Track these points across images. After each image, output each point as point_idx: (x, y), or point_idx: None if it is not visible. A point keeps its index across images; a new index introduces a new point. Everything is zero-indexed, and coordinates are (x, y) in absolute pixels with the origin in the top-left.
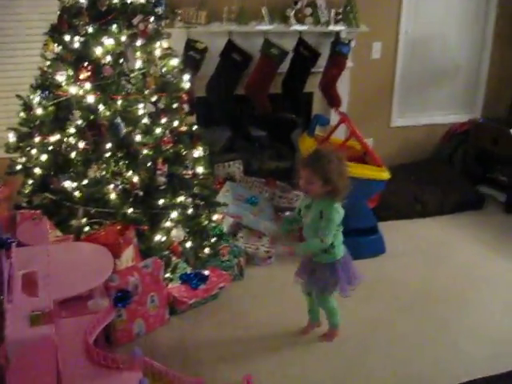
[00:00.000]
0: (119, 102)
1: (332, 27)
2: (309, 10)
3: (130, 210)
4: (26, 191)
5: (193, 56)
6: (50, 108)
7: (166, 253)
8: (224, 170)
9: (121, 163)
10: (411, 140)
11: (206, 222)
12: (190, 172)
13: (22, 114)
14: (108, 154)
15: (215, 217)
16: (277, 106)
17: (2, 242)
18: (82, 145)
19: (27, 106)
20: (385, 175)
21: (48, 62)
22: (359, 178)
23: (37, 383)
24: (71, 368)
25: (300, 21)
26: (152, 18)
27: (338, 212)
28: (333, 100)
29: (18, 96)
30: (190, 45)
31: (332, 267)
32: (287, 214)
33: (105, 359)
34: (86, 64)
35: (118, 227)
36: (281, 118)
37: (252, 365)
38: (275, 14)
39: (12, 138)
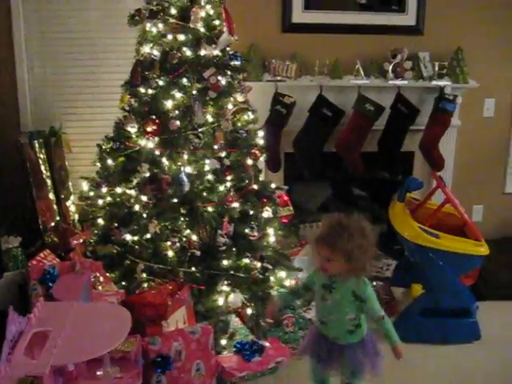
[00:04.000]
0: (185, 157)
1: (435, 82)
2: (409, 64)
3: (188, 269)
4: (91, 241)
5: (280, 110)
6: (120, 159)
7: (223, 318)
8: (312, 231)
9: (181, 220)
10: None
11: (277, 288)
12: (256, 233)
13: (98, 164)
14: (169, 210)
15: (287, 282)
16: (372, 165)
17: None
18: (144, 198)
19: (102, 156)
20: (482, 250)
21: (122, 114)
22: (452, 252)
23: None
24: None
25: (399, 75)
26: (227, 72)
27: (370, 285)
28: (434, 161)
29: (99, 145)
30: (277, 99)
31: (363, 345)
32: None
33: None
34: (153, 117)
35: (171, 287)
36: (380, 178)
37: None
38: (371, 68)
39: (85, 186)
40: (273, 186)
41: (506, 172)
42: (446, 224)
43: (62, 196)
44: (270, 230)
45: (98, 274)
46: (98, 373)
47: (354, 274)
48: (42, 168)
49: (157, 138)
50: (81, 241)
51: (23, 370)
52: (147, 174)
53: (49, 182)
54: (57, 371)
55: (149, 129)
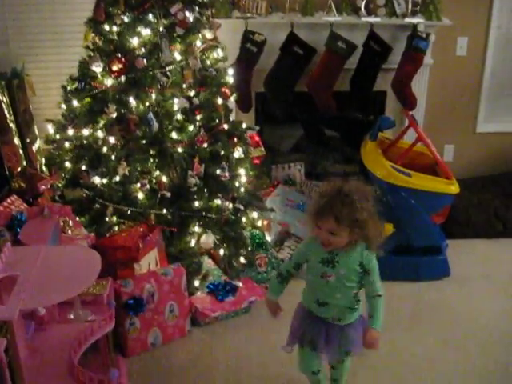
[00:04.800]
0: (153, 96)
1: (409, 20)
2: (382, 1)
3: (159, 211)
4: (60, 185)
5: (250, 49)
6: (86, 100)
7: (196, 259)
8: (283, 172)
9: (150, 161)
10: (500, 148)
11: (249, 229)
12: (227, 174)
13: (63, 106)
14: (138, 151)
15: (259, 223)
16: (344, 105)
17: None
18: (112, 140)
19: (67, 98)
20: (453, 188)
21: (86, 53)
22: (423, 191)
23: None
24: (48, 378)
25: (372, 12)
26: (195, 7)
27: (375, 256)
28: (406, 100)
29: (63, 87)
30: (247, 37)
31: (363, 323)
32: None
33: (83, 376)
34: (119, 55)
35: (141, 229)
36: (352, 118)
37: None
38: (343, 5)
39: (51, 129)
40: (244, 125)
41: (478, 112)
42: (417, 163)
43: (28, 140)
44: (242, 171)
45: (67, 219)
46: (69, 315)
47: (366, 242)
48: (6, 112)
49: (123, 77)
50: (49, 186)
51: None
52: (114, 115)
53: (13, 126)
54: (28, 316)
55: (114, 68)
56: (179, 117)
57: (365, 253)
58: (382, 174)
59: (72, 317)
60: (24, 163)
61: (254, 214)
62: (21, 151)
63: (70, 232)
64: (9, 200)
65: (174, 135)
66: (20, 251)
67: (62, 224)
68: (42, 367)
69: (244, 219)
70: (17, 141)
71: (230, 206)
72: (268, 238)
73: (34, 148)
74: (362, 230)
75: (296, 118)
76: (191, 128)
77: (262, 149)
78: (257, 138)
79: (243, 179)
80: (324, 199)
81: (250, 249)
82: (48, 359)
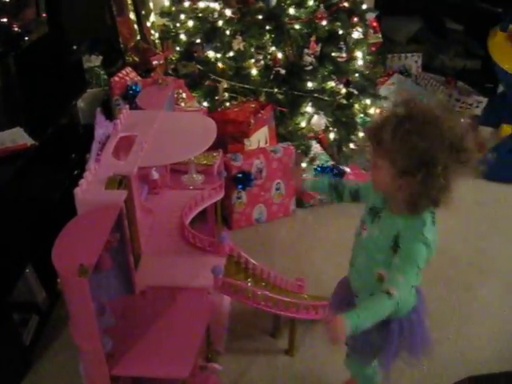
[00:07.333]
0: None
1: None
2: None
3: (271, 89)
4: (173, 58)
5: None
6: None
7: (305, 141)
8: (399, 62)
9: (266, 37)
10: None
11: (361, 115)
12: (344, 54)
13: None
14: (254, 26)
15: (371, 110)
16: None
17: None
18: (228, 13)
19: None
20: None
21: None
22: None
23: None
24: (159, 237)
25: None
26: None
27: (427, 244)
28: None
29: None
30: None
31: (386, 327)
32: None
33: (193, 238)
34: None
35: (253, 105)
36: (481, 9)
37: None
38: None
39: (166, 2)
40: (364, 6)
41: None
42: None
43: (143, 12)
44: (359, 54)
45: (180, 91)
46: (183, 177)
47: (413, 209)
48: None
49: None
50: (161, 61)
51: (112, 169)
52: None
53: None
54: (142, 179)
55: None
56: None
57: (412, 223)
58: (510, 67)
59: (185, 180)
60: (138, 37)
61: (367, 101)
62: (135, 25)
63: (183, 104)
64: (123, 71)
65: (291, 11)
66: (138, 114)
67: (175, 96)
68: (154, 226)
69: (356, 105)
70: (132, 15)
71: (344, 90)
72: None
73: (149, 22)
74: (418, 178)
75: (416, 8)
76: (310, 3)
77: (380, 35)
78: (375, 24)
79: (359, 63)
80: (384, 114)
81: (360, 135)
82: (160, 220)
